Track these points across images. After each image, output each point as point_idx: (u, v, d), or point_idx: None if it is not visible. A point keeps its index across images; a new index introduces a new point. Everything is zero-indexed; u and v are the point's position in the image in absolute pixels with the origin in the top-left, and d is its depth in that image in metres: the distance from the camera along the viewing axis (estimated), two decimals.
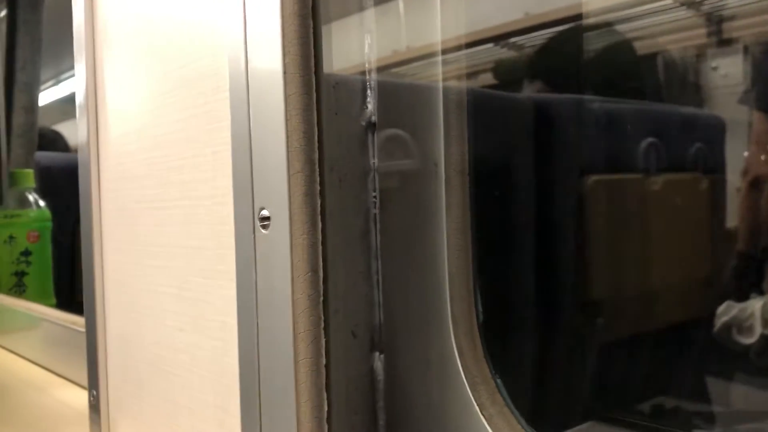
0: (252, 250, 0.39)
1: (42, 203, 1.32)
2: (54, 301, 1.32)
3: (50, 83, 3.04)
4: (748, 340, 0.69)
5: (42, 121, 1.66)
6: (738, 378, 0.71)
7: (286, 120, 0.37)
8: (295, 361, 0.37)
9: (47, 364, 0.94)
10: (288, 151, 0.37)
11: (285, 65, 0.37)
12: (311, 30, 0.37)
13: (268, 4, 0.38)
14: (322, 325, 0.38)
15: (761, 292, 0.72)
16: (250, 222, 0.39)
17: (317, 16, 0.38)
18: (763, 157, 0.75)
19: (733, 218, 0.77)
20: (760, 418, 0.69)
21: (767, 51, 0.78)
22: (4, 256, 1.28)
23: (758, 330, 0.69)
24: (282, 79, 0.37)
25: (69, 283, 1.39)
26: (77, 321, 0.86)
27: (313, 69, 0.38)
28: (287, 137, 0.37)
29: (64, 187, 1.38)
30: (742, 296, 0.71)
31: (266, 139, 0.38)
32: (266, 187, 0.38)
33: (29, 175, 1.33)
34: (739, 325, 0.70)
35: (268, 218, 0.38)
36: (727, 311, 0.71)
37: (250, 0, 0.39)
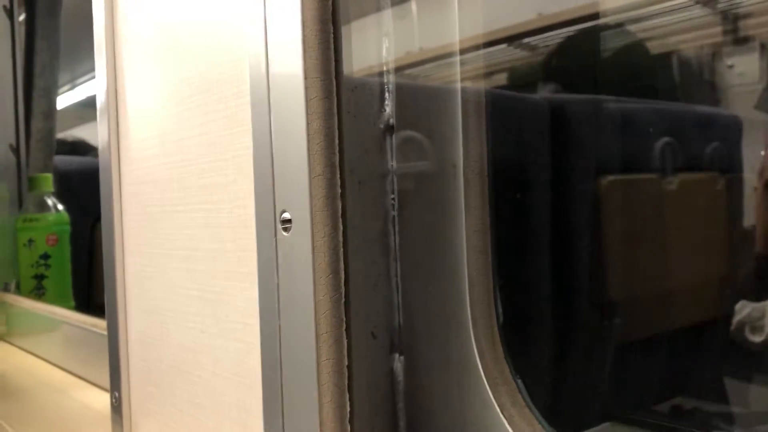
0: (274, 252, 0.40)
1: (60, 207, 1.34)
2: (73, 303, 1.33)
3: (66, 87, 3.07)
4: (759, 339, 0.69)
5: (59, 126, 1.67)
6: (754, 378, 0.71)
7: (307, 123, 0.37)
8: (318, 362, 0.37)
9: (68, 366, 0.95)
10: (309, 155, 0.37)
11: (306, 70, 0.37)
12: (331, 34, 0.38)
13: (288, 8, 0.38)
14: (344, 326, 0.38)
15: None
16: (272, 225, 0.40)
17: (337, 20, 0.38)
18: None
19: (750, 218, 0.77)
20: None
21: None
22: (24, 259, 1.30)
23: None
24: (303, 84, 0.37)
25: (87, 285, 1.41)
26: (98, 323, 0.87)
27: (333, 73, 0.38)
28: (308, 141, 0.37)
29: (82, 190, 1.39)
30: (759, 296, 0.71)
31: (287, 143, 0.39)
32: (287, 190, 0.39)
33: (48, 180, 1.35)
34: (753, 324, 0.70)
35: (289, 221, 0.39)
36: (741, 310, 0.70)
37: (270, 4, 0.39)
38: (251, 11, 0.41)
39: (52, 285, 1.30)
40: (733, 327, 0.71)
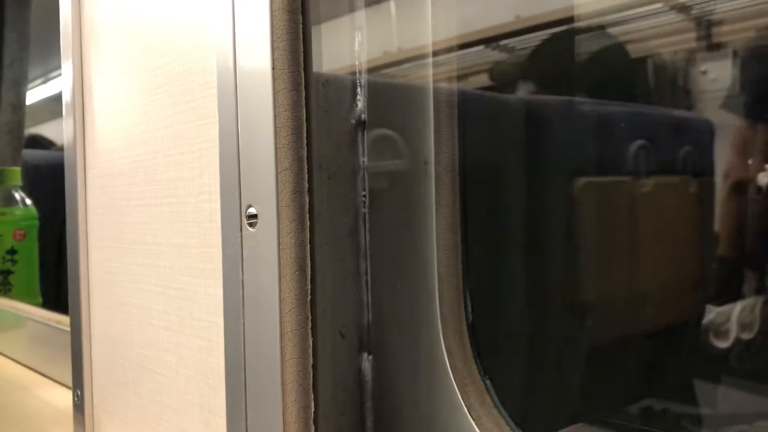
0: (239, 248, 0.39)
1: (29, 201, 1.31)
2: (40, 300, 1.30)
3: (39, 81, 3.02)
4: (723, 345, 0.70)
5: (30, 121, 1.64)
6: (721, 381, 0.72)
7: (275, 116, 0.36)
8: (282, 361, 0.37)
9: (32, 364, 0.92)
10: (276, 148, 0.36)
11: (273, 61, 0.36)
12: (300, 26, 0.37)
13: None
14: (310, 324, 0.38)
15: (740, 297, 0.72)
16: (237, 220, 0.39)
17: (307, 12, 0.37)
18: (747, 161, 0.75)
19: (720, 222, 0.77)
20: (741, 419, 0.69)
21: (755, 56, 0.78)
22: None
23: (733, 335, 0.69)
24: (270, 75, 0.36)
25: (56, 282, 1.38)
26: (63, 320, 0.85)
27: (302, 65, 0.37)
28: (275, 134, 0.36)
29: (52, 185, 1.36)
30: (722, 301, 0.72)
31: (254, 136, 0.38)
32: (253, 184, 0.38)
33: (16, 173, 1.32)
34: (716, 329, 0.70)
35: (255, 216, 0.38)
36: (705, 315, 0.71)
37: None
38: (219, 0, 0.40)
39: (19, 281, 1.27)
40: (699, 331, 0.71)
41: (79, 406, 0.60)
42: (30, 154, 1.50)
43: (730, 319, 0.70)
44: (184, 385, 0.46)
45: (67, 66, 0.60)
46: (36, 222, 1.30)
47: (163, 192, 0.48)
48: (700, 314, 0.71)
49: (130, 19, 0.51)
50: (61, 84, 0.61)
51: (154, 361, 0.49)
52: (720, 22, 0.81)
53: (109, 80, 0.55)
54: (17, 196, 1.30)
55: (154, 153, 0.48)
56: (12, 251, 1.26)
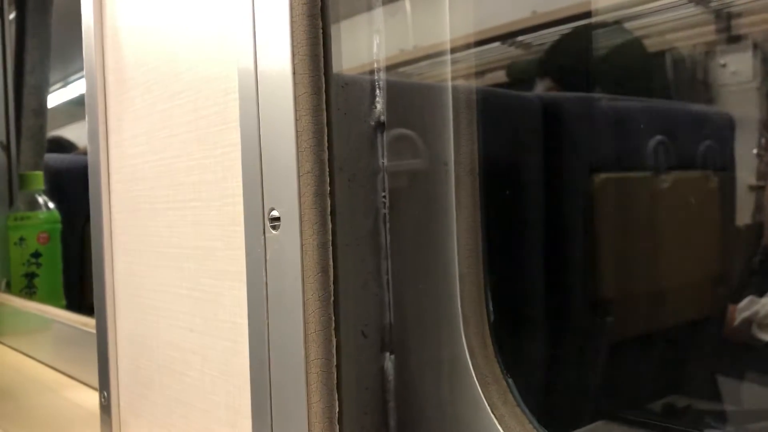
0: (262, 250, 0.39)
1: (51, 205, 1.33)
2: (64, 302, 1.32)
3: (59, 85, 3.05)
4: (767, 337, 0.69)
5: (51, 124, 1.66)
6: (751, 376, 0.71)
7: (296, 120, 0.37)
8: (306, 362, 0.37)
9: (58, 365, 0.94)
10: (298, 152, 0.37)
11: (294, 66, 0.37)
12: (320, 30, 0.37)
13: (276, 4, 0.38)
14: (333, 325, 0.38)
15: None
16: (260, 223, 0.39)
17: (326, 16, 0.38)
18: None
19: (742, 216, 0.77)
20: None
21: None
22: (15, 257, 1.29)
23: None
24: (291, 80, 0.37)
25: (78, 284, 1.40)
26: (88, 322, 0.87)
27: (322, 69, 0.38)
28: (297, 137, 0.37)
29: (73, 188, 1.38)
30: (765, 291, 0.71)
31: (276, 140, 0.38)
32: (276, 187, 0.38)
33: (39, 178, 1.34)
34: (760, 321, 0.69)
35: (278, 219, 0.38)
36: (748, 306, 0.70)
37: (258, 1, 0.39)
38: (240, 7, 0.40)
39: (43, 284, 1.29)
40: (738, 323, 0.70)
41: (105, 407, 0.61)
42: (52, 158, 1.52)
43: None
44: (209, 386, 0.46)
45: (89, 71, 0.61)
46: (59, 225, 1.32)
47: (186, 195, 0.48)
48: (741, 305, 0.70)
49: (152, 25, 0.52)
50: (82, 88, 0.62)
51: (180, 362, 0.50)
52: (739, 14, 0.80)
53: (132, 85, 0.56)
54: (40, 200, 1.32)
55: (178, 157, 0.49)
56: (36, 254, 1.28)
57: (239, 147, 0.41)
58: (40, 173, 1.36)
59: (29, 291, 1.28)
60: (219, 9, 0.44)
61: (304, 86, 0.37)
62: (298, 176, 0.37)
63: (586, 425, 0.58)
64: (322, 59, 0.37)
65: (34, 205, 1.31)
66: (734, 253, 0.76)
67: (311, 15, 0.37)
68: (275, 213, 0.38)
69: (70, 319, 0.93)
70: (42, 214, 1.31)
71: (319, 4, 0.37)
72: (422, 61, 0.47)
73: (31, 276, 1.28)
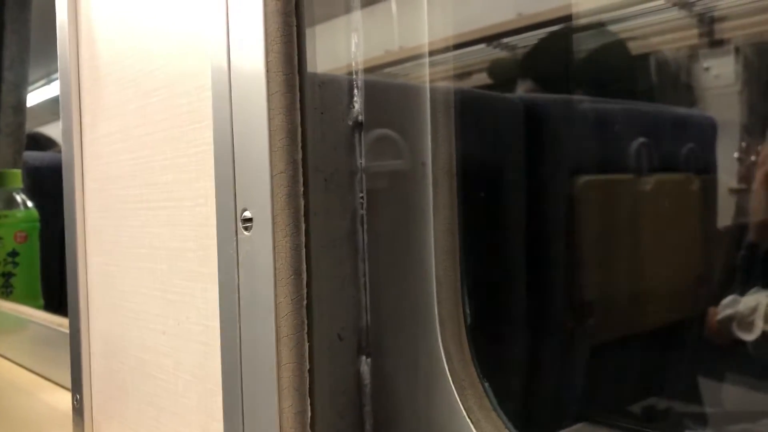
0: (234, 252, 0.39)
1: (30, 204, 1.31)
2: (42, 302, 1.30)
3: (42, 83, 3.02)
4: (748, 337, 0.69)
5: (31, 122, 1.64)
6: (731, 378, 0.71)
7: (269, 119, 0.36)
8: (278, 366, 0.36)
9: (34, 366, 0.92)
10: (271, 151, 0.36)
11: (267, 63, 0.36)
12: (294, 28, 0.37)
13: (250, 1, 0.37)
14: (306, 329, 0.37)
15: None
16: (233, 224, 0.39)
17: (300, 14, 0.37)
18: None
19: (724, 218, 0.77)
20: (754, 418, 0.68)
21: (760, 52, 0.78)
22: None
23: (759, 327, 0.68)
24: (264, 78, 0.36)
25: (58, 284, 1.38)
26: (64, 323, 0.85)
27: (296, 68, 0.37)
28: (270, 137, 0.36)
29: (53, 187, 1.36)
30: (747, 290, 0.71)
31: (249, 139, 0.37)
32: (248, 187, 0.38)
33: (17, 176, 1.32)
34: (741, 320, 0.69)
35: (250, 220, 0.38)
36: (731, 304, 0.70)
37: None
38: (213, 3, 0.39)
39: (21, 283, 1.27)
40: (719, 319, 0.70)
41: (78, 409, 0.60)
42: (31, 155, 1.50)
43: (757, 311, 0.69)
44: (182, 389, 0.46)
45: (63, 68, 0.60)
46: (37, 224, 1.30)
47: (160, 195, 0.47)
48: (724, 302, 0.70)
49: (127, 20, 0.51)
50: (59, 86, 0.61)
51: (152, 364, 0.49)
52: (722, 19, 0.80)
53: (107, 82, 0.55)
54: (18, 198, 1.30)
55: (151, 156, 0.48)
56: (13, 253, 1.26)
57: (212, 146, 0.40)
58: (18, 171, 1.34)
59: (6, 290, 1.26)
60: (193, 4, 0.43)
61: (277, 84, 0.36)
62: (271, 176, 0.36)
63: (562, 430, 0.57)
64: (296, 57, 0.37)
65: (11, 203, 1.29)
66: (715, 254, 0.76)
67: (285, 13, 0.36)
68: (248, 214, 0.38)
69: (45, 319, 0.92)
70: (20, 213, 1.29)
71: (293, 2, 0.37)
72: (402, 63, 0.46)
73: (7, 275, 1.26)
